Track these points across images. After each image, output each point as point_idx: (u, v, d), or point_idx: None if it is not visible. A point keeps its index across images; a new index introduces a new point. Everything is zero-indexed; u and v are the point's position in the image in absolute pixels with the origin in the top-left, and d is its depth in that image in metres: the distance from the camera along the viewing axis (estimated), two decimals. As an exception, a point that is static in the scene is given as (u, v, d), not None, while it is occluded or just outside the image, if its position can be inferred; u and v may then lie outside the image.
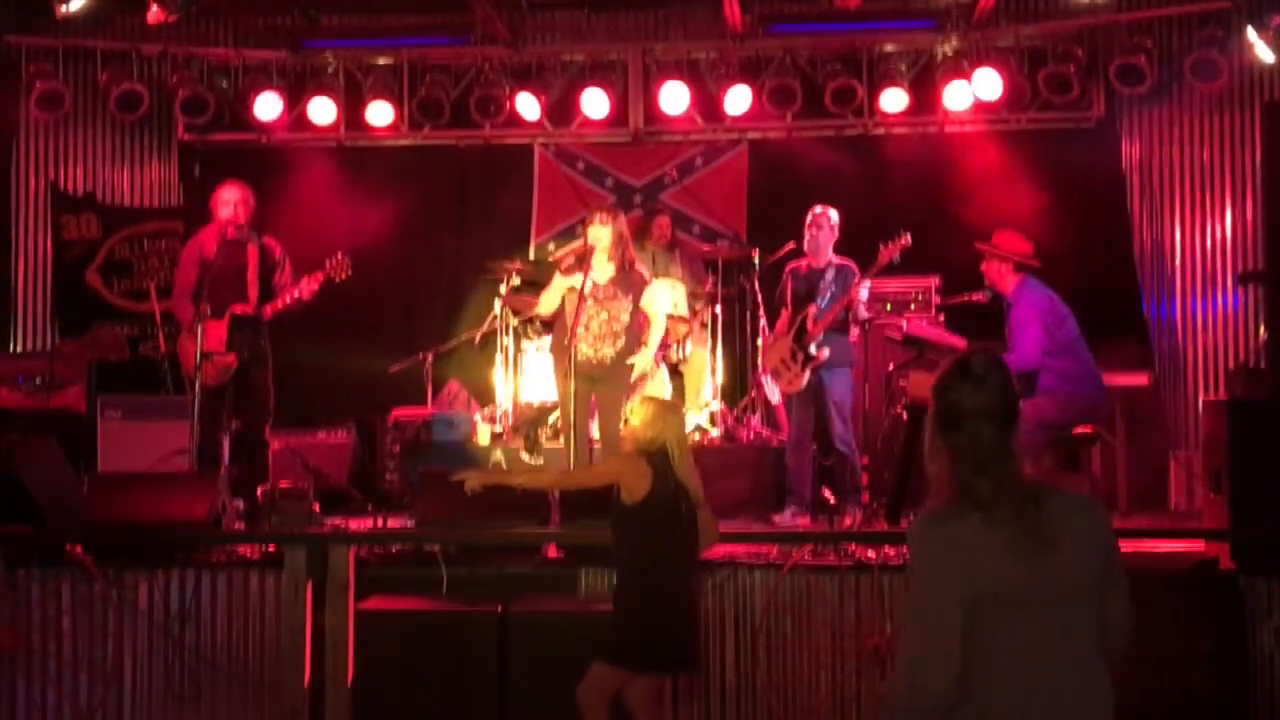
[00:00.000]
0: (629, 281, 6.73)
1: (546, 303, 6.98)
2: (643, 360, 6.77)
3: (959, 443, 2.65)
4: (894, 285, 8.43)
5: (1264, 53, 8.17)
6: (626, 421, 4.93)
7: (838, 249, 7.56)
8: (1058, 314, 6.50)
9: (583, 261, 6.68)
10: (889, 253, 7.06)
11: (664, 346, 8.34)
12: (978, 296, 7.14)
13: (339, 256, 6.91)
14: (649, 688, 4.77)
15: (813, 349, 7.15)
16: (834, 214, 7.50)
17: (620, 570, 4.85)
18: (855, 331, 7.42)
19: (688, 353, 8.68)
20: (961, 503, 2.61)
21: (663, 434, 4.77)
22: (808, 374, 7.19)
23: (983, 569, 2.54)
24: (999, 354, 2.77)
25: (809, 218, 7.51)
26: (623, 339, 6.71)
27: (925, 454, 2.76)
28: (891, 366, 7.67)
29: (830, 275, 7.30)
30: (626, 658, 4.68)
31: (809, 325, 7.20)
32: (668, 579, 4.75)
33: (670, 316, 8.28)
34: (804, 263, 7.51)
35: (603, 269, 6.68)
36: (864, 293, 7.31)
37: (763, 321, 8.77)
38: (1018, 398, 2.69)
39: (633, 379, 6.83)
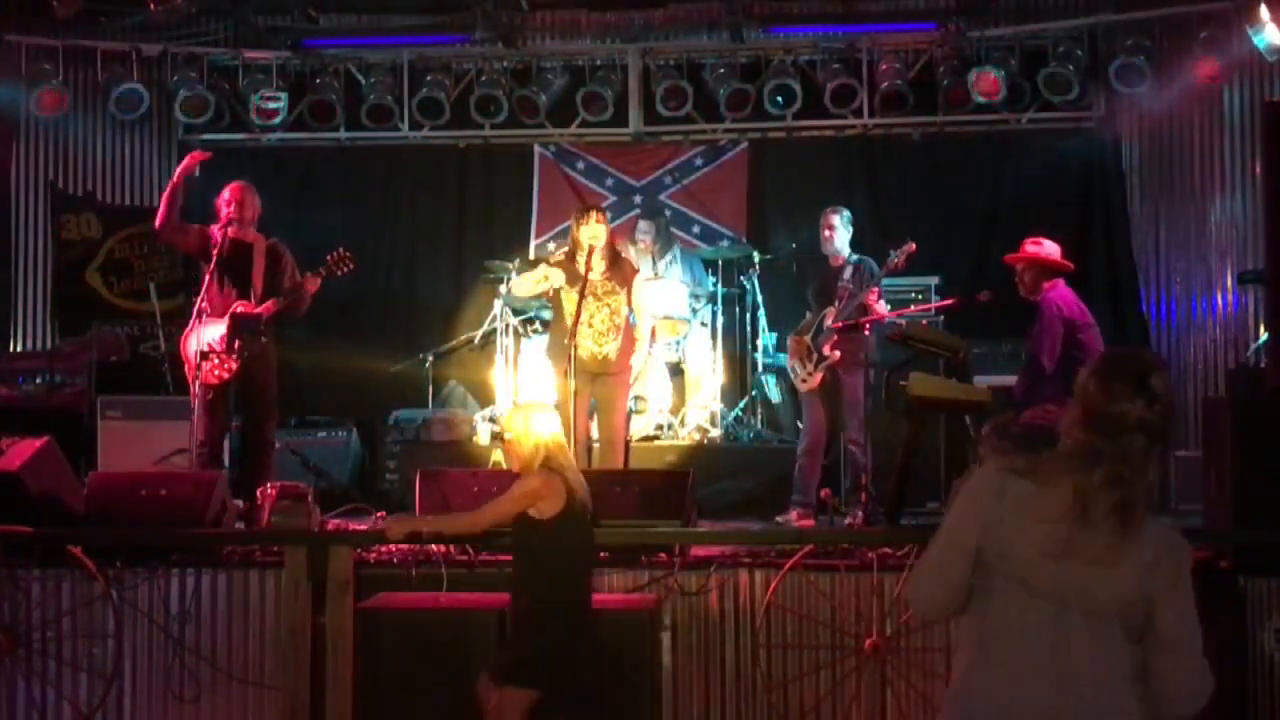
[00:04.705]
0: (621, 273, 6.76)
1: (522, 284, 6.96)
2: (640, 359, 6.79)
3: (1111, 449, 2.54)
4: (893, 284, 8.42)
5: (1264, 52, 8.15)
6: (503, 439, 4.80)
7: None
8: (1085, 322, 6.47)
9: (573, 259, 6.69)
10: (896, 261, 7.04)
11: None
12: (980, 297, 7.13)
13: (340, 251, 6.89)
14: (524, 702, 4.58)
15: (825, 349, 7.14)
16: (844, 213, 7.47)
17: (526, 588, 4.68)
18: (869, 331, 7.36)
19: (687, 353, 8.68)
20: (1060, 476, 2.55)
21: (541, 438, 4.67)
22: (821, 373, 7.18)
23: (1005, 533, 2.55)
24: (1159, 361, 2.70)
25: (821, 219, 7.49)
26: (622, 334, 6.73)
27: (1061, 429, 2.65)
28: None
29: (847, 274, 7.27)
30: (529, 676, 4.55)
31: (825, 324, 7.20)
32: (580, 594, 4.71)
33: (668, 318, 8.29)
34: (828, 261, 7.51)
35: (598, 266, 6.68)
36: (876, 297, 7.22)
37: (763, 322, 8.78)
38: (1175, 417, 2.61)
39: (632, 379, 6.83)
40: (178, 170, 6.85)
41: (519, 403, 4.92)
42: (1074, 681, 2.54)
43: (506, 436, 4.77)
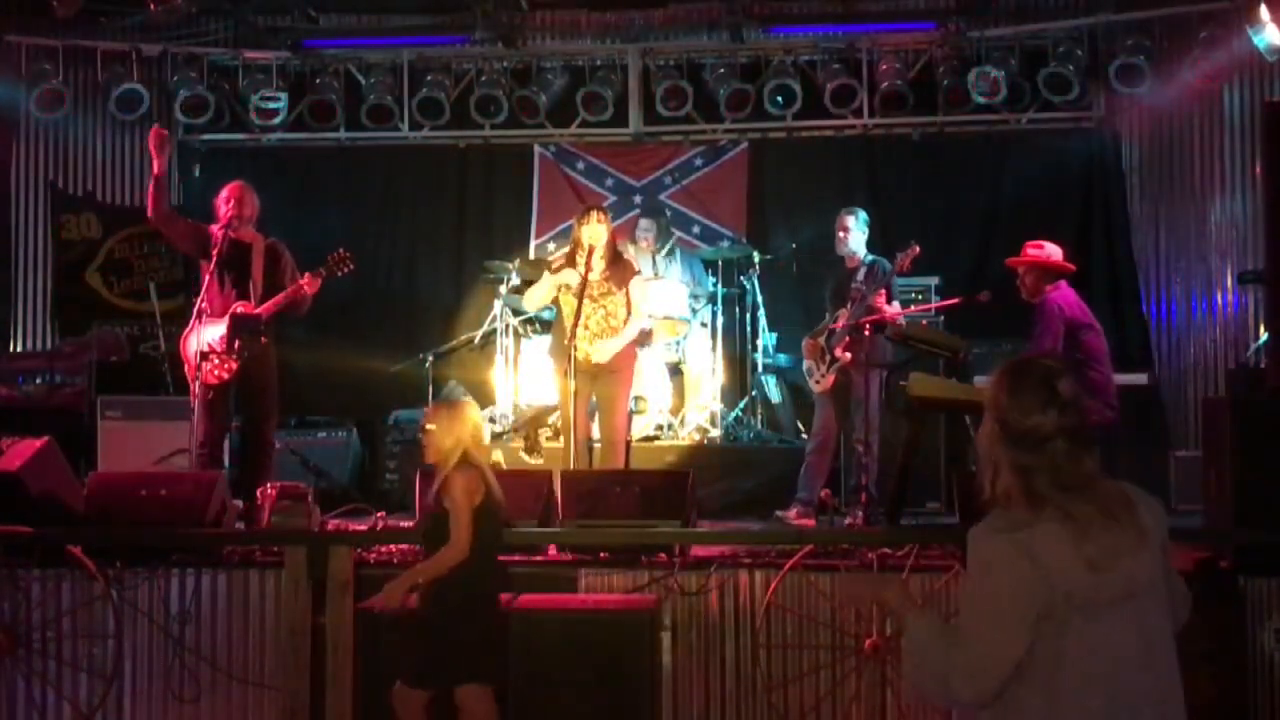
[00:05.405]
0: (620, 274, 6.74)
1: (533, 298, 6.93)
2: (610, 346, 6.60)
3: (1038, 463, 2.56)
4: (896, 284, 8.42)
5: (1264, 52, 8.15)
6: (424, 431, 4.82)
7: None
8: (1087, 323, 6.47)
9: (573, 260, 6.67)
10: (900, 264, 7.05)
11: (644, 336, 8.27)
12: (980, 297, 7.13)
13: (341, 252, 6.88)
14: (482, 695, 4.63)
15: (837, 351, 7.14)
16: (859, 214, 7.45)
17: (450, 585, 4.62)
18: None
19: (687, 353, 8.68)
20: (1039, 513, 2.54)
21: (461, 434, 4.71)
22: (834, 375, 7.18)
23: (1060, 577, 2.50)
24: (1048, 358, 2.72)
25: (836, 221, 7.48)
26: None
27: (982, 462, 2.65)
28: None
29: (861, 275, 7.27)
30: (476, 670, 4.60)
31: (836, 326, 7.21)
32: (496, 588, 4.76)
33: (668, 318, 8.29)
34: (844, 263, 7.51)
35: (596, 266, 6.67)
36: (885, 299, 7.18)
37: (763, 322, 8.78)
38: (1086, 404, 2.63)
39: (596, 360, 6.60)
40: (152, 150, 6.67)
41: (438, 401, 4.85)
42: (1160, 660, 2.57)
43: (428, 427, 4.80)
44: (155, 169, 6.70)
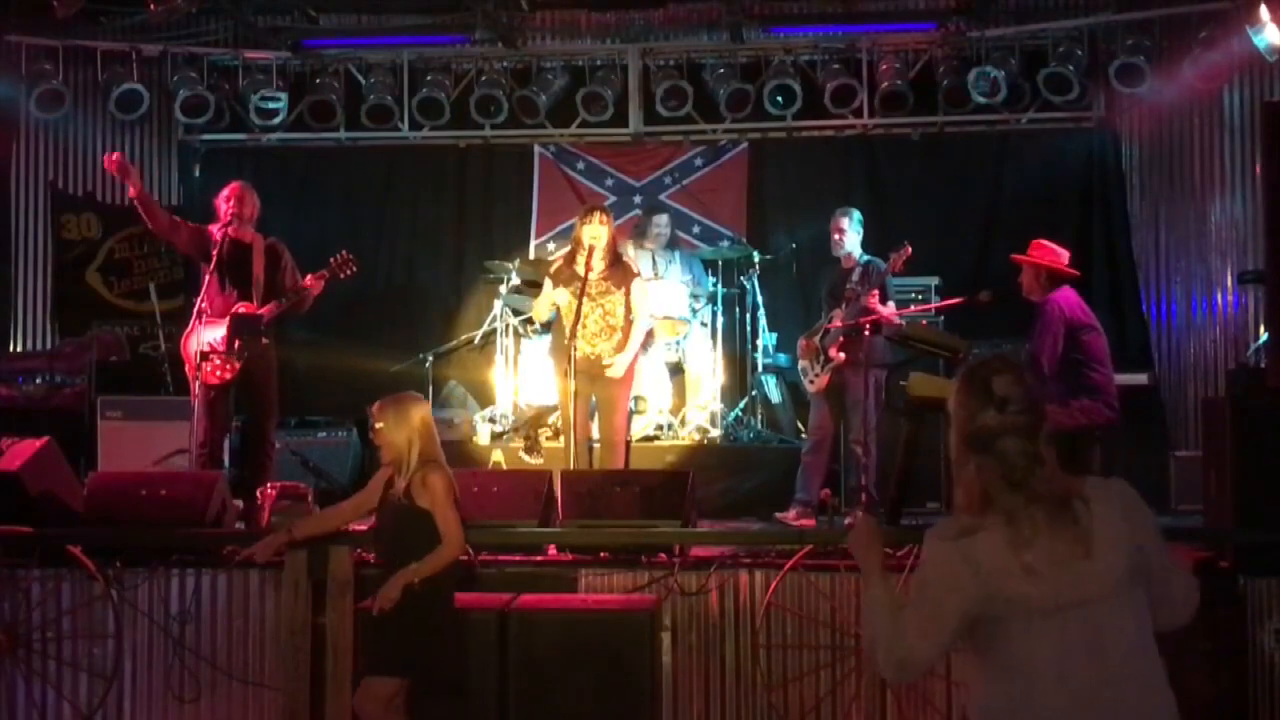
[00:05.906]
0: (619, 274, 6.75)
1: (541, 310, 7.02)
2: (620, 361, 6.69)
3: (988, 462, 2.58)
4: (894, 285, 8.41)
5: (1264, 52, 8.15)
6: (373, 430, 4.81)
7: None
8: (1088, 324, 6.47)
9: (572, 260, 6.69)
10: (893, 265, 7.05)
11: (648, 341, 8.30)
12: (981, 297, 7.13)
13: (344, 254, 6.89)
14: (389, 690, 4.66)
15: (831, 351, 7.14)
16: (854, 214, 7.45)
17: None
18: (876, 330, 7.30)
19: (687, 353, 8.68)
20: (991, 517, 2.56)
21: (412, 428, 4.70)
22: (828, 375, 7.19)
23: (999, 584, 2.51)
24: (1014, 358, 2.73)
25: (831, 222, 7.49)
26: (619, 334, 6.72)
27: (950, 463, 2.68)
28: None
29: (856, 275, 7.27)
30: (400, 664, 4.63)
31: (830, 326, 7.22)
32: (450, 582, 4.78)
33: (668, 318, 8.29)
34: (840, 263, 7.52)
35: (596, 266, 6.67)
36: (878, 299, 7.16)
37: (763, 322, 8.79)
38: (1044, 405, 2.63)
39: (611, 374, 6.70)
40: (117, 175, 6.75)
41: (386, 398, 4.84)
42: (1118, 664, 2.54)
43: (378, 425, 4.78)
44: (131, 192, 6.71)
